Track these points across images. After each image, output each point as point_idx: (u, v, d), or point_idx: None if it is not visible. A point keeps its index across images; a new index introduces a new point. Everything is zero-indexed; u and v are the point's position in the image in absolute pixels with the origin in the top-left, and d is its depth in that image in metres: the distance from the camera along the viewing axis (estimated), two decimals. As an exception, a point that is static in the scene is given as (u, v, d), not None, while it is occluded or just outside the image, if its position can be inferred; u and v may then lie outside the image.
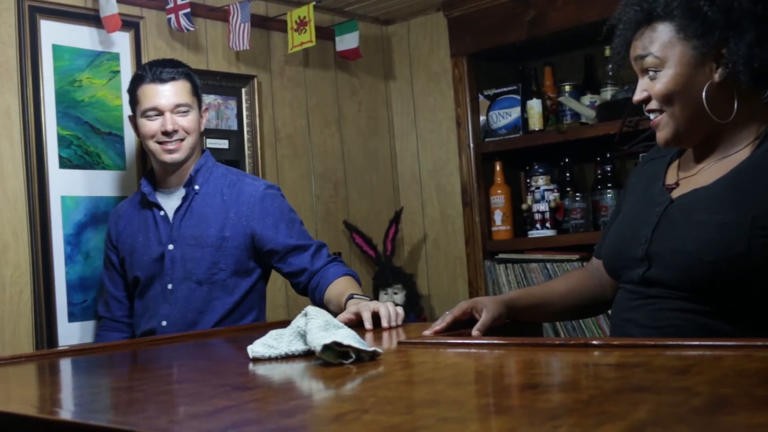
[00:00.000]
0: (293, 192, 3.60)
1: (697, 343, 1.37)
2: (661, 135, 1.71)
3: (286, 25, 3.50)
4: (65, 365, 1.84)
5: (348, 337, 1.50)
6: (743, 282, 1.54)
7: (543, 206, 3.66)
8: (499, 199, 3.80)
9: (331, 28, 3.70)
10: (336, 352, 1.47)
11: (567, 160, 3.79)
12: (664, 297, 1.64)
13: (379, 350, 1.49)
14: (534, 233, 3.68)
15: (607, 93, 3.61)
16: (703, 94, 1.64)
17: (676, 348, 1.36)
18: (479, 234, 3.80)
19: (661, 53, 1.65)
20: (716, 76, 1.64)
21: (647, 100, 1.71)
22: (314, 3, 3.40)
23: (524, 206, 3.74)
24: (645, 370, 1.21)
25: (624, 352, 1.38)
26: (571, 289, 1.98)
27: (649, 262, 1.66)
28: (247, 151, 3.42)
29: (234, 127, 3.40)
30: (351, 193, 3.85)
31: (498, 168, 3.81)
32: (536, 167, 3.72)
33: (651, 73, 1.68)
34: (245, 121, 3.43)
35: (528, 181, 3.78)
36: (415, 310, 3.71)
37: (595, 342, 1.45)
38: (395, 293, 3.69)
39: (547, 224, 3.65)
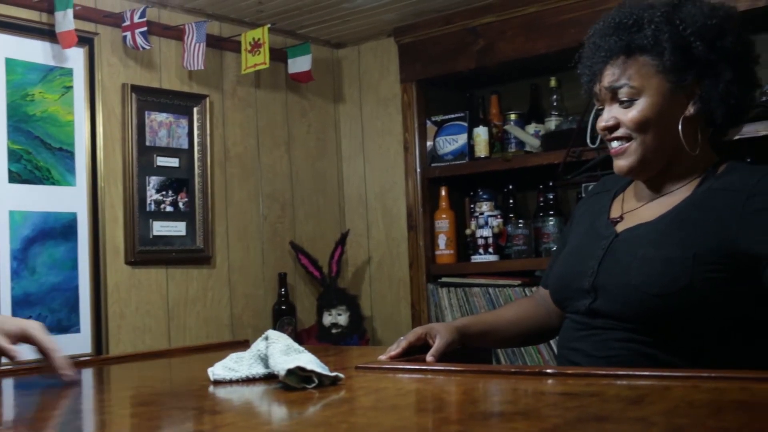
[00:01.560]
0: (240, 212, 3.62)
1: (646, 373, 1.43)
2: (625, 163, 1.74)
3: (239, 45, 3.53)
4: (6, 385, 1.78)
5: (311, 362, 1.54)
6: (685, 315, 1.61)
7: (486, 232, 3.73)
8: (443, 223, 3.86)
9: (284, 50, 3.74)
10: (299, 376, 1.50)
11: (511, 187, 3.87)
12: (610, 328, 1.70)
13: (341, 375, 1.53)
14: (477, 258, 3.75)
15: (552, 123, 3.70)
16: (680, 126, 1.69)
17: (626, 378, 1.42)
18: (423, 257, 3.86)
19: (638, 83, 1.68)
20: (691, 110, 1.69)
21: (615, 127, 1.73)
22: (269, 25, 3.43)
23: (468, 231, 3.81)
24: (601, 399, 1.27)
25: (577, 381, 1.44)
26: (519, 316, 2.04)
27: (595, 294, 1.72)
28: (197, 170, 3.43)
29: (185, 145, 3.41)
30: (298, 214, 3.88)
31: (443, 193, 3.88)
32: (481, 193, 3.79)
33: (625, 103, 1.70)
34: (196, 140, 3.44)
35: (472, 206, 3.85)
36: (358, 332, 3.75)
37: (549, 370, 1.51)
38: (339, 314, 3.72)
39: (490, 249, 3.73)
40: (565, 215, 3.68)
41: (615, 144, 1.75)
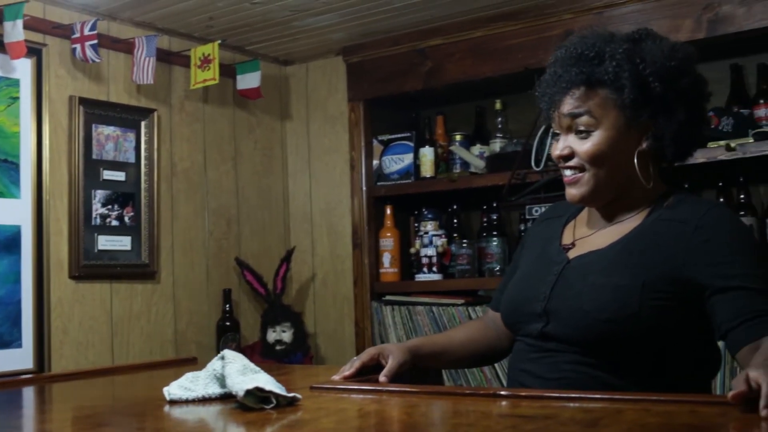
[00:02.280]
0: (187, 227, 3.61)
1: (598, 396, 1.48)
2: (577, 192, 1.78)
3: (187, 60, 3.52)
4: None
5: (268, 383, 1.55)
6: (634, 340, 1.66)
7: (431, 251, 3.77)
8: (388, 241, 3.89)
9: (232, 66, 3.74)
10: (257, 396, 1.51)
11: (455, 206, 3.93)
12: (561, 351, 1.74)
13: (299, 396, 1.55)
14: (421, 277, 3.79)
15: (496, 145, 3.77)
16: (635, 159, 1.74)
17: (578, 400, 1.47)
18: (367, 275, 3.88)
19: (597, 114, 1.73)
20: (644, 145, 1.75)
21: (569, 156, 1.77)
22: (219, 41, 3.44)
23: (412, 250, 3.85)
24: (557, 422, 1.31)
25: (531, 403, 1.48)
26: (470, 338, 2.07)
27: (547, 318, 1.76)
28: (143, 185, 3.41)
29: (132, 159, 3.39)
30: (243, 230, 3.88)
31: (388, 212, 3.91)
32: (425, 212, 3.84)
33: (582, 133, 1.74)
34: (143, 154, 3.42)
35: (417, 225, 3.90)
36: (302, 349, 3.75)
37: (502, 392, 1.55)
38: (283, 331, 3.72)
39: (434, 268, 3.77)
40: (508, 236, 3.75)
41: (568, 173, 1.79)
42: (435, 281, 3.76)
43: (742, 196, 3.23)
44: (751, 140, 3.00)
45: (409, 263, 3.90)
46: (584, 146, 1.75)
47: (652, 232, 1.73)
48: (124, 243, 3.33)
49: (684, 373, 1.70)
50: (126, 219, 3.35)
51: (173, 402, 1.62)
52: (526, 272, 1.93)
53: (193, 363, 2.50)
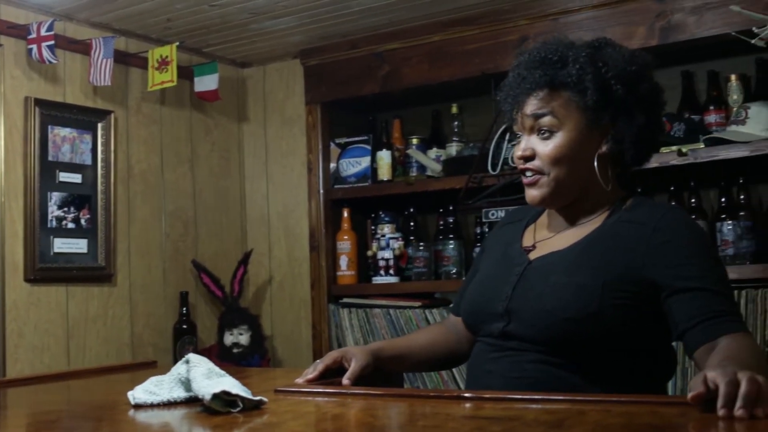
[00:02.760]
0: (143, 229, 3.59)
1: (560, 397, 1.51)
2: (537, 193, 1.82)
3: (145, 61, 3.51)
4: None
5: (235, 386, 1.56)
6: (594, 339, 1.70)
7: (387, 253, 3.80)
8: (345, 244, 3.91)
9: (190, 68, 3.73)
10: (223, 400, 1.52)
11: (412, 210, 3.96)
12: (523, 350, 1.78)
13: (265, 399, 1.56)
14: (378, 279, 3.81)
15: (453, 148, 3.80)
16: (594, 162, 1.79)
17: (541, 402, 1.50)
18: (325, 278, 3.89)
19: (560, 116, 1.78)
20: (604, 149, 1.80)
21: (531, 157, 1.81)
22: (177, 44, 3.42)
23: (369, 253, 3.87)
24: (522, 423, 1.33)
25: (494, 405, 1.50)
26: (431, 341, 2.10)
27: (509, 318, 1.80)
28: (100, 187, 3.38)
29: (88, 161, 3.36)
30: (200, 233, 3.87)
31: (345, 214, 3.93)
32: (382, 215, 3.86)
33: (544, 134, 1.79)
34: (100, 156, 3.39)
35: (374, 228, 3.91)
36: (260, 352, 3.75)
37: (466, 395, 1.57)
38: (240, 334, 3.72)
39: (391, 271, 3.79)
40: (464, 239, 3.78)
41: (528, 174, 1.83)
42: (392, 284, 3.78)
43: (693, 200, 3.30)
44: (702, 146, 3.07)
45: (365, 266, 3.92)
46: (546, 148, 1.79)
47: (612, 234, 1.78)
48: (80, 245, 3.30)
49: (642, 373, 1.75)
50: (82, 221, 3.32)
51: (138, 406, 1.62)
52: (486, 274, 1.96)
53: (153, 367, 2.50)
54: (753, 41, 2.75)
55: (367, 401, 1.65)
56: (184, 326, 3.63)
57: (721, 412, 1.24)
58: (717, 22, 3.05)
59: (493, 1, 3.38)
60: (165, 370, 1.75)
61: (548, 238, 1.89)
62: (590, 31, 3.28)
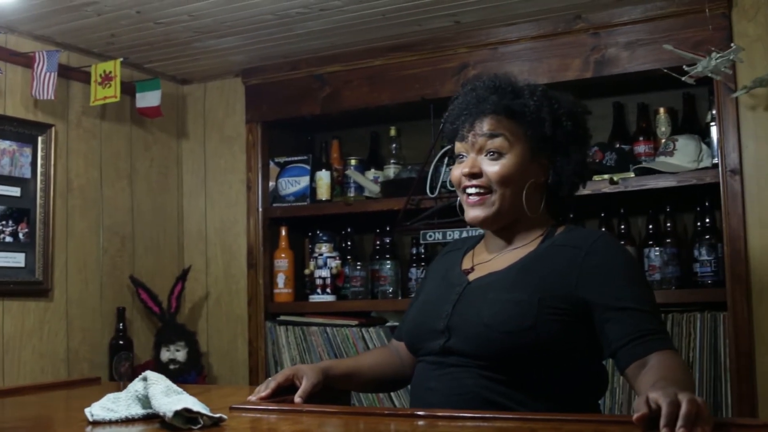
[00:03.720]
0: (81, 244, 3.57)
1: (510, 416, 1.58)
2: (480, 212, 1.92)
3: (86, 75, 3.50)
4: None
5: (195, 404, 1.60)
6: (532, 353, 1.79)
7: (325, 272, 3.85)
8: (282, 262, 3.94)
9: (131, 83, 3.73)
10: (185, 417, 1.56)
11: (349, 229, 4.02)
12: (463, 366, 1.85)
13: (224, 416, 1.60)
14: (315, 297, 3.85)
15: (390, 170, 3.87)
16: (525, 189, 1.91)
17: (492, 420, 1.57)
18: (262, 295, 3.91)
19: (510, 140, 1.90)
20: (542, 179, 1.94)
21: (477, 174, 1.91)
22: (121, 59, 3.43)
23: (307, 271, 3.91)
24: (477, 441, 1.41)
25: (448, 423, 1.57)
26: (377, 362, 2.17)
27: (449, 334, 1.87)
28: (38, 200, 3.36)
29: (27, 175, 3.34)
30: (138, 248, 3.86)
31: (283, 233, 3.97)
32: (320, 234, 3.91)
33: (493, 155, 1.90)
34: (39, 169, 3.37)
35: (311, 247, 3.96)
36: (196, 368, 3.76)
37: (420, 413, 1.64)
38: (177, 350, 3.72)
39: (328, 290, 3.84)
40: (400, 259, 3.86)
41: (472, 191, 1.93)
42: (328, 302, 3.83)
43: (622, 227, 3.44)
44: (632, 175, 3.21)
45: (303, 284, 3.96)
46: (494, 167, 1.90)
47: (547, 256, 1.89)
48: (17, 260, 3.27)
49: (578, 389, 1.85)
50: (20, 235, 3.29)
51: (96, 423, 1.64)
52: (427, 298, 2.05)
53: (97, 383, 2.50)
54: (683, 78, 2.90)
55: (322, 419, 1.70)
56: (121, 342, 3.61)
57: (663, 431, 1.33)
58: (648, 58, 3.19)
59: (434, 29, 3.47)
60: (107, 387, 1.77)
61: (486, 261, 1.99)
62: (528, 61, 3.40)
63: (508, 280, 1.88)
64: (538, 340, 1.78)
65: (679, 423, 1.34)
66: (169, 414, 1.54)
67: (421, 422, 1.60)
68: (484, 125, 1.92)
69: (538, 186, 1.95)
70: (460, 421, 1.58)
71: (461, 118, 1.96)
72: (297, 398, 1.90)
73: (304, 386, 1.93)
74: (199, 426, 1.54)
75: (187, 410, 1.55)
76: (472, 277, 1.97)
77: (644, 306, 1.79)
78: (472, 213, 1.94)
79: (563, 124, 1.92)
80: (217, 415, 1.59)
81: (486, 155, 1.92)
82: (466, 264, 2.04)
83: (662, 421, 1.35)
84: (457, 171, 1.96)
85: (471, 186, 1.92)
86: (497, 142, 1.90)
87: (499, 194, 1.91)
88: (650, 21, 3.19)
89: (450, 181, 2.14)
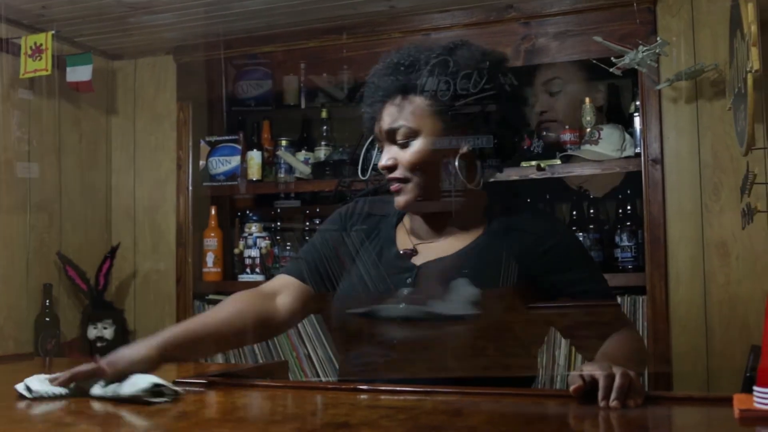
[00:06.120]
0: (8, 222, 3.51)
1: (452, 390, 1.64)
2: (403, 200, 1.87)
3: (15, 47, 3.44)
4: None
5: (158, 379, 1.62)
6: (491, 330, 1.83)
7: (254, 252, 3.86)
8: (212, 241, 3.94)
9: (61, 57, 3.67)
10: (152, 392, 1.58)
11: (279, 210, 4.04)
12: (421, 348, 1.86)
13: (181, 390, 1.62)
14: (244, 277, 3.87)
15: (321, 152, 3.90)
16: (456, 162, 1.83)
17: (434, 394, 1.63)
18: (190, 274, 3.91)
19: (414, 124, 1.81)
20: (465, 149, 1.84)
21: (393, 167, 1.85)
22: (53, 32, 3.38)
23: (236, 251, 3.92)
24: (424, 412, 1.47)
25: (390, 396, 1.63)
26: (237, 312, 2.01)
27: (407, 321, 1.84)
28: (-35, 174, 3.30)
29: (-46, 148, 3.28)
30: (65, 225, 3.81)
31: (213, 212, 3.97)
32: (250, 215, 3.92)
33: (402, 142, 1.83)
34: (-34, 143, 3.31)
35: (241, 227, 3.97)
36: (124, 346, 3.73)
37: (362, 387, 1.69)
38: (105, 328, 3.70)
39: (257, 269, 3.86)
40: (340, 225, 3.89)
41: (393, 183, 1.88)
42: (258, 282, 3.83)
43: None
44: (559, 162, 3.32)
45: (232, 264, 3.97)
46: (405, 155, 1.83)
47: (500, 239, 1.88)
48: (-58, 234, 3.21)
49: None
50: (-55, 209, 3.24)
51: (39, 398, 1.63)
52: (369, 280, 1.95)
53: (30, 359, 2.49)
54: (611, 69, 3.01)
55: (269, 392, 1.74)
56: (47, 319, 3.57)
57: (602, 403, 1.41)
58: (577, 49, 3.30)
59: (369, 12, 3.52)
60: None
61: (431, 243, 1.95)
62: (461, 48, 3.47)
63: (461, 265, 1.86)
64: (498, 308, 1.83)
65: (613, 395, 1.42)
66: (143, 386, 1.56)
67: (363, 396, 1.64)
68: (385, 117, 1.85)
69: (468, 156, 1.86)
70: (402, 394, 1.64)
71: (367, 111, 1.92)
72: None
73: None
74: (163, 399, 1.57)
75: (155, 384, 1.58)
76: (418, 261, 1.92)
77: (600, 285, 1.89)
78: (396, 201, 1.90)
79: (465, 88, 1.80)
80: (181, 389, 1.63)
81: (397, 143, 1.85)
82: (404, 243, 1.97)
83: (600, 393, 1.42)
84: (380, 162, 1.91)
85: (391, 179, 1.88)
86: (401, 132, 1.83)
87: (414, 182, 1.85)
88: (579, 13, 3.29)
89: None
